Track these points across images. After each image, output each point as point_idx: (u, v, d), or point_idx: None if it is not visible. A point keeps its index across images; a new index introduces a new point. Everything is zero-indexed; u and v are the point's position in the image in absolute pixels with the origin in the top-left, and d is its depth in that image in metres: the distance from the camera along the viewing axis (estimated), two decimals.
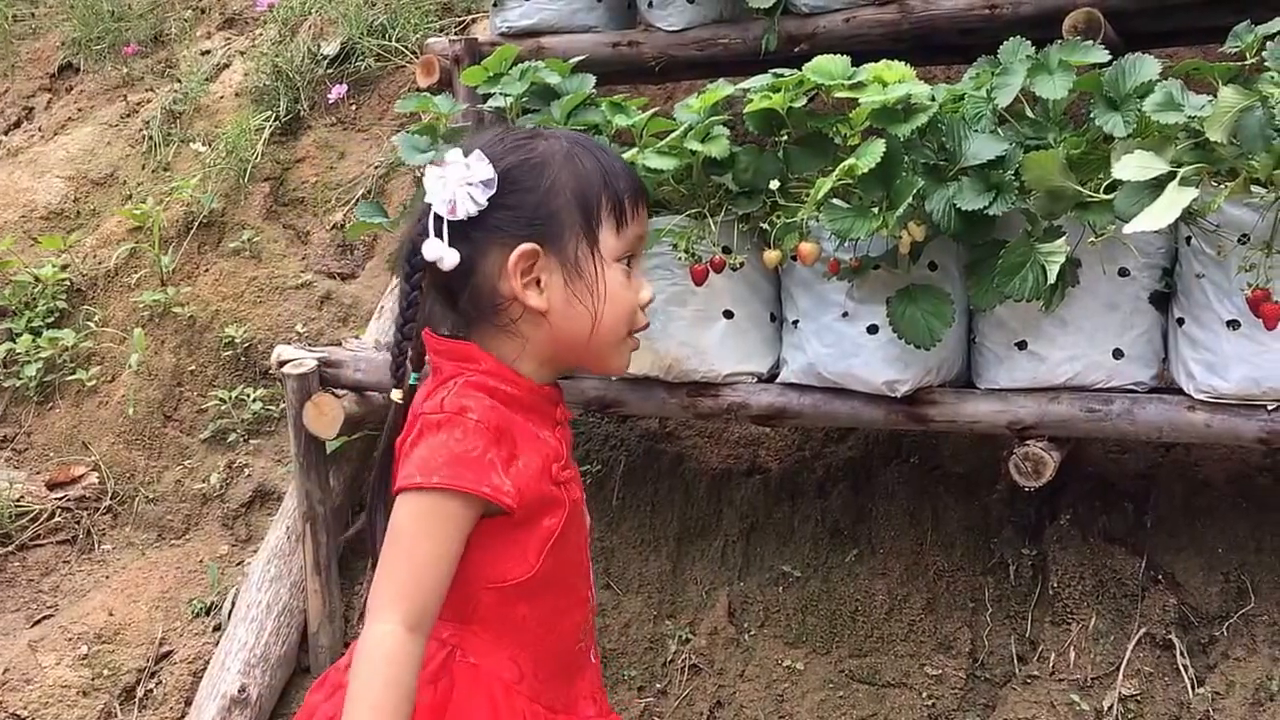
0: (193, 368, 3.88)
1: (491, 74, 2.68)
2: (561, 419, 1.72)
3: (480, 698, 1.61)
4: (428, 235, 1.60)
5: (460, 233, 1.61)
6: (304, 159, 4.30)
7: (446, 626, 1.62)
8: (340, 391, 2.97)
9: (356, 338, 3.41)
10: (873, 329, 2.38)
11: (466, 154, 1.61)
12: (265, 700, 3.01)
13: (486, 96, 2.76)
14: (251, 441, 3.73)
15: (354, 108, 4.37)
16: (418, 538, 1.52)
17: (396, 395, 1.68)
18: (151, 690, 3.15)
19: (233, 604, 3.22)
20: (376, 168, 4.15)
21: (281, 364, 3.00)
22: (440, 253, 1.60)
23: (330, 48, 4.44)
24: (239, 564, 3.43)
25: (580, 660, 1.76)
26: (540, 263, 1.60)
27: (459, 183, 1.59)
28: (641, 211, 1.68)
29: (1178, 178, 2.00)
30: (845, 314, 2.41)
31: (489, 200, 1.59)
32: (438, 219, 1.60)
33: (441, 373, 1.63)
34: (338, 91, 4.27)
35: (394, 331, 1.69)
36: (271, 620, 3.09)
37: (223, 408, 3.76)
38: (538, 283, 1.61)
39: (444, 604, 1.56)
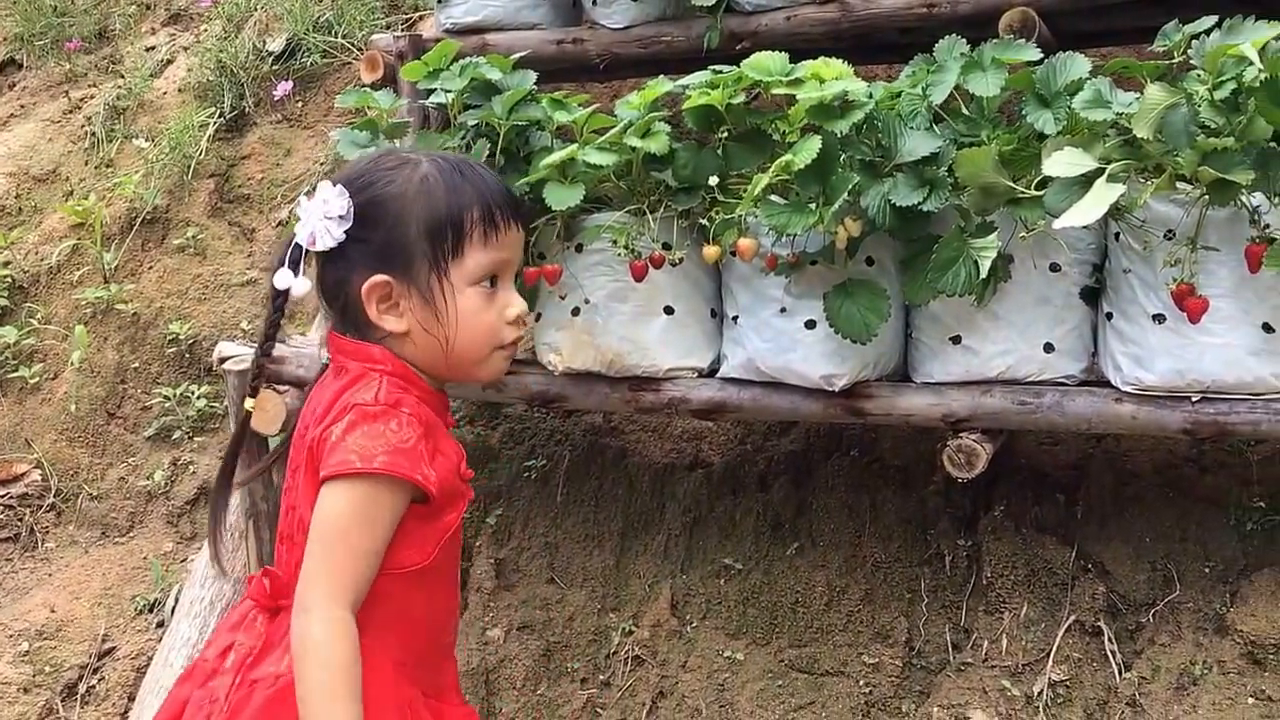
0: (136, 365, 3.87)
1: (431, 69, 2.69)
2: (450, 424, 1.79)
3: (371, 675, 1.64)
4: (284, 264, 1.72)
5: (330, 260, 1.72)
6: (249, 156, 4.29)
7: None
8: (282, 388, 2.96)
9: (302, 334, 3.41)
10: (810, 324, 2.41)
11: (335, 183, 1.70)
12: None
13: (430, 92, 2.77)
14: (196, 439, 3.72)
15: (300, 104, 4.37)
16: (359, 526, 1.59)
17: (249, 404, 1.83)
18: (94, 686, 3.15)
19: (176, 600, 3.22)
20: (322, 164, 4.14)
21: (223, 360, 3.00)
22: (288, 282, 1.74)
23: (275, 44, 4.43)
24: (183, 561, 3.42)
25: (448, 652, 1.85)
26: (396, 290, 1.70)
27: (319, 216, 1.69)
28: (503, 235, 1.74)
29: (1105, 174, 2.04)
30: (783, 309, 2.44)
31: (346, 233, 1.69)
32: (297, 249, 1.72)
33: (348, 371, 1.71)
34: (283, 88, 4.26)
35: (256, 348, 1.83)
36: (215, 616, 3.08)
37: (167, 405, 3.75)
38: (397, 307, 1.70)
39: None
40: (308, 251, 1.72)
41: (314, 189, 1.71)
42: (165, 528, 3.55)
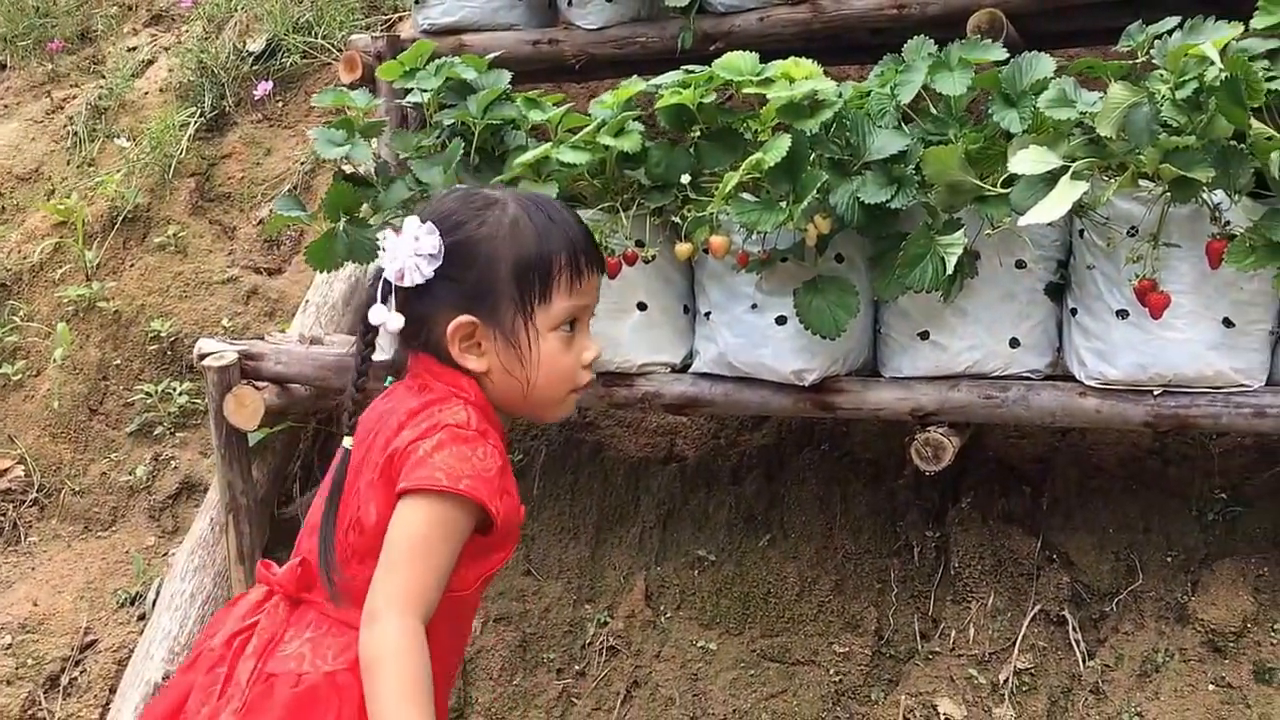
0: (118, 362, 3.84)
1: (407, 69, 2.68)
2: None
3: None
4: (376, 300, 1.71)
5: (413, 296, 1.71)
6: (230, 155, 4.27)
7: None
8: (261, 384, 2.95)
9: (281, 331, 3.39)
10: (781, 320, 2.40)
11: (423, 220, 1.69)
12: None
13: (407, 92, 2.75)
14: (178, 434, 3.69)
15: (280, 104, 4.34)
16: (438, 541, 1.60)
17: (348, 442, 1.74)
18: (76, 679, 3.13)
19: (157, 593, 3.20)
20: (302, 164, 4.12)
21: (203, 357, 2.98)
22: (384, 318, 1.71)
23: (256, 45, 4.40)
24: (165, 555, 3.40)
25: (452, 683, 1.91)
26: (480, 331, 1.71)
27: (409, 253, 1.68)
28: (588, 280, 1.75)
29: (1070, 172, 2.04)
30: (754, 305, 2.43)
31: (435, 271, 1.68)
32: (387, 284, 1.70)
33: (432, 390, 1.71)
34: (263, 88, 4.24)
35: (349, 385, 1.77)
36: (196, 609, 3.07)
37: (149, 401, 3.73)
38: (478, 346, 1.71)
39: None
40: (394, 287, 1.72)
41: (400, 225, 1.71)
42: (147, 522, 3.53)
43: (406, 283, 1.69)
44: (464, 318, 1.69)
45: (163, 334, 3.81)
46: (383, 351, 1.96)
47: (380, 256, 1.74)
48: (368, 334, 1.77)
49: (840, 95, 2.32)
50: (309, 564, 1.72)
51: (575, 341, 1.76)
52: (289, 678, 1.63)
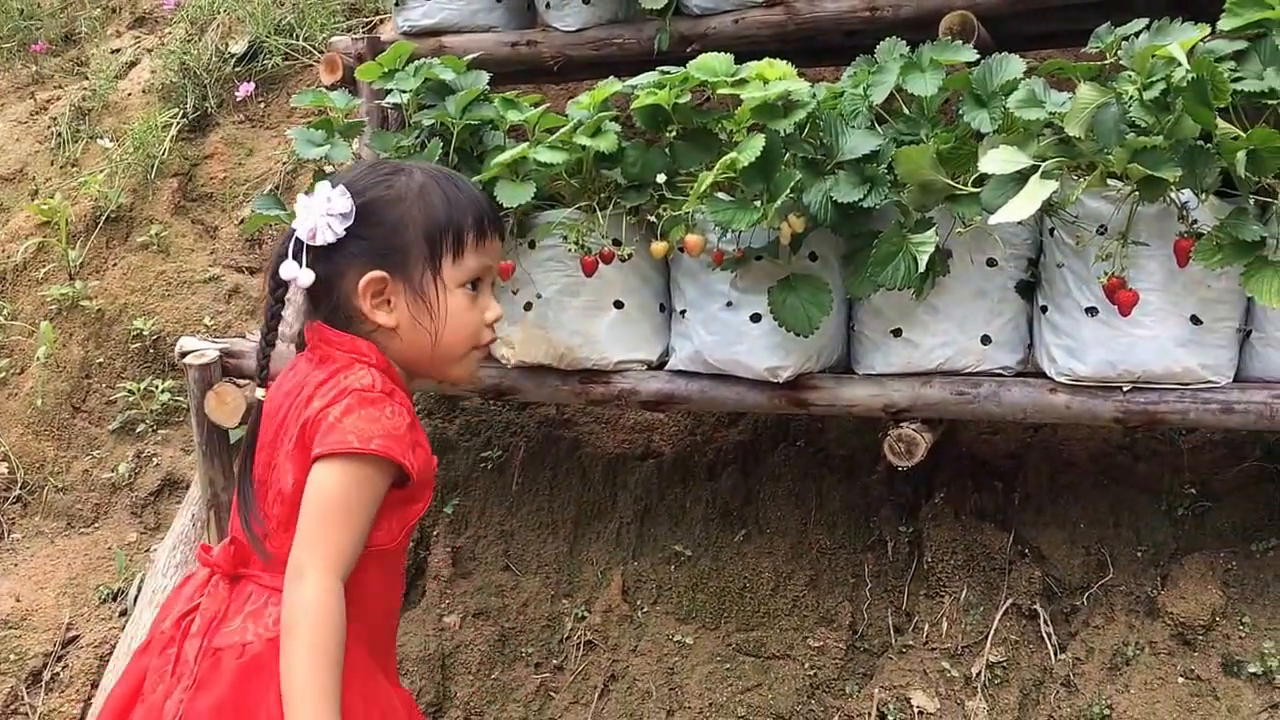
0: (101, 360, 3.82)
1: (386, 70, 2.66)
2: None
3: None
4: (287, 257, 1.75)
5: (323, 256, 1.76)
6: (212, 155, 4.24)
7: None
8: (242, 381, 2.93)
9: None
10: (755, 317, 2.39)
11: (334, 186, 1.75)
12: None
13: (386, 93, 2.73)
14: (160, 431, 3.67)
15: (262, 105, 4.31)
16: (356, 502, 1.65)
17: (261, 393, 1.81)
18: (58, 674, 3.10)
19: (139, 589, 3.17)
20: (284, 164, 4.10)
21: (184, 355, 2.96)
22: (295, 273, 1.76)
23: (238, 46, 4.37)
24: (147, 551, 3.38)
25: (394, 635, 1.93)
26: (390, 287, 1.76)
27: (321, 213, 1.74)
28: (488, 243, 1.84)
29: (1039, 171, 2.03)
30: (729, 303, 2.42)
31: (346, 230, 1.74)
32: (298, 243, 1.76)
33: (334, 360, 1.75)
34: (245, 89, 4.21)
35: (259, 338, 1.83)
36: None
37: (131, 399, 3.70)
38: (388, 303, 1.76)
39: None
40: (305, 246, 1.76)
41: (312, 189, 1.76)
42: (129, 519, 3.51)
43: (318, 241, 1.74)
44: (375, 273, 1.74)
45: (145, 332, 3.78)
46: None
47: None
48: (277, 289, 1.81)
49: (814, 96, 2.31)
50: (239, 542, 1.77)
51: (479, 301, 1.84)
52: (234, 649, 1.68)
